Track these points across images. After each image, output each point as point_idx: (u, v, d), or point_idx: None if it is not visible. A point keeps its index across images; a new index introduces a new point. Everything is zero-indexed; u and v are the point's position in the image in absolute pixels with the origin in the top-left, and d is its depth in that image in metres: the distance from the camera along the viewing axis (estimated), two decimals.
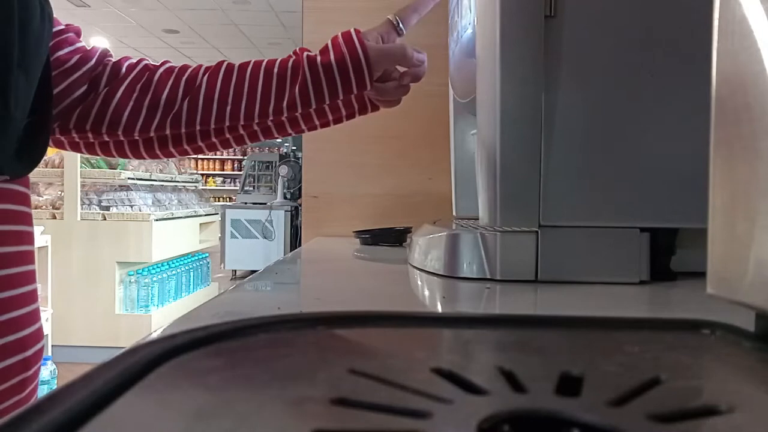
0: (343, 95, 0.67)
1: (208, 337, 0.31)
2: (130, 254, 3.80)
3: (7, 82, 0.49)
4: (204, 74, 0.68)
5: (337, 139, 1.33)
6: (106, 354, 0.27)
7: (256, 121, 0.68)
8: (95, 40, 8.03)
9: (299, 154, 5.89)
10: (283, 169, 5.80)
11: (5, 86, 0.50)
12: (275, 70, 0.67)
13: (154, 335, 0.34)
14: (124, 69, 0.68)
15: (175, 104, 0.67)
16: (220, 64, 0.69)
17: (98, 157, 4.19)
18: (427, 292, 0.63)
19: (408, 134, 1.31)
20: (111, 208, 3.90)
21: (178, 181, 4.88)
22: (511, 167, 0.62)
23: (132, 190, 4.06)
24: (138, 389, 0.24)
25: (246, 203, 5.98)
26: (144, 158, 0.74)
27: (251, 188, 6.45)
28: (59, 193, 3.81)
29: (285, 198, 5.82)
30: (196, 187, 5.39)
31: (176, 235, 4.29)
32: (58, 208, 3.76)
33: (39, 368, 0.58)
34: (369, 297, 0.62)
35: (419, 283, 0.67)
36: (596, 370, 0.27)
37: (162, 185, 4.58)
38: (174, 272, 4.29)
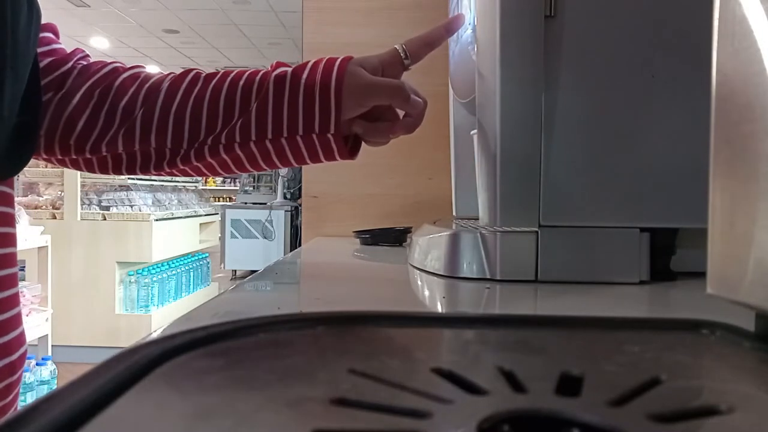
0: (305, 127, 0.58)
1: (207, 337, 0.31)
2: (130, 254, 3.80)
3: None
4: (167, 83, 0.61)
5: None
6: (106, 354, 0.27)
7: (222, 141, 0.59)
8: (95, 40, 8.02)
9: None
10: (283, 169, 5.81)
11: None
12: (241, 82, 0.60)
13: (154, 335, 0.34)
14: (90, 72, 0.62)
15: (131, 115, 0.60)
16: (187, 72, 0.62)
17: None
18: (427, 292, 0.63)
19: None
20: (111, 208, 3.90)
21: (178, 181, 4.89)
22: (511, 167, 0.62)
23: (132, 190, 4.06)
24: (138, 389, 0.24)
25: (246, 203, 5.98)
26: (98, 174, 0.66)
27: (251, 188, 6.45)
28: (59, 193, 3.82)
29: (285, 198, 5.82)
30: (196, 187, 5.39)
31: (176, 235, 4.29)
32: (58, 208, 3.76)
33: (22, 373, 0.57)
34: (369, 297, 0.62)
35: (419, 283, 0.67)
36: (596, 370, 0.27)
37: (162, 185, 4.58)
38: (174, 272, 4.30)
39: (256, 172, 0.65)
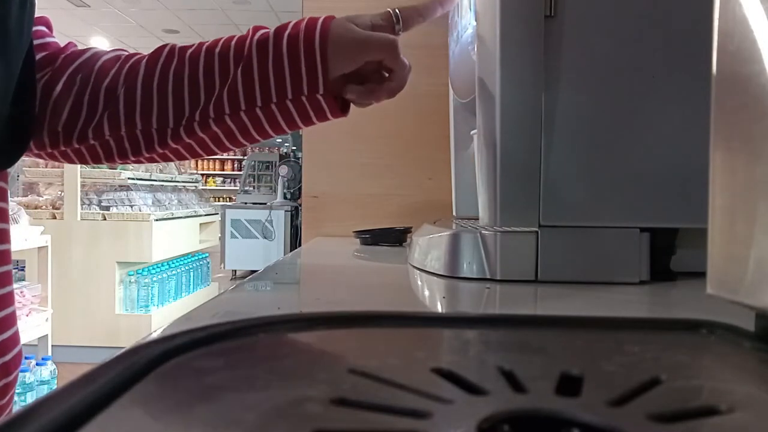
0: (293, 88, 0.56)
1: (207, 337, 0.31)
2: (130, 254, 3.80)
3: None
4: (145, 60, 0.59)
5: (337, 139, 1.33)
6: (106, 354, 0.27)
7: (211, 114, 0.57)
8: (95, 40, 8.03)
9: (299, 154, 5.89)
10: (283, 169, 5.81)
11: None
12: (217, 49, 0.58)
13: (154, 335, 0.34)
14: (70, 58, 0.61)
15: (114, 96, 0.58)
16: (163, 47, 0.60)
17: None
18: (427, 292, 0.63)
19: (408, 134, 1.31)
20: (111, 208, 3.90)
21: (178, 181, 4.89)
22: (511, 167, 0.62)
23: (132, 190, 4.06)
24: (138, 389, 0.24)
25: (246, 203, 5.98)
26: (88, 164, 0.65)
27: (251, 188, 6.45)
28: (59, 193, 3.82)
29: (285, 198, 5.82)
30: (196, 187, 5.39)
31: (176, 235, 4.29)
32: (58, 208, 3.76)
33: (18, 374, 0.56)
34: (369, 297, 0.62)
35: (419, 283, 0.67)
36: (596, 370, 0.27)
37: (162, 185, 4.58)
38: (174, 272, 4.29)
39: (250, 145, 0.61)
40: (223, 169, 11.25)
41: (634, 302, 0.56)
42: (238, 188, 7.13)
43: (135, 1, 6.57)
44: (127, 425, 0.22)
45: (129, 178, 3.97)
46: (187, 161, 5.67)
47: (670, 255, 0.64)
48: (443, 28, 1.04)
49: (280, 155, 6.45)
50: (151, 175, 4.35)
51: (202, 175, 8.54)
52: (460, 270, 0.65)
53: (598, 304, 0.55)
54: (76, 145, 0.60)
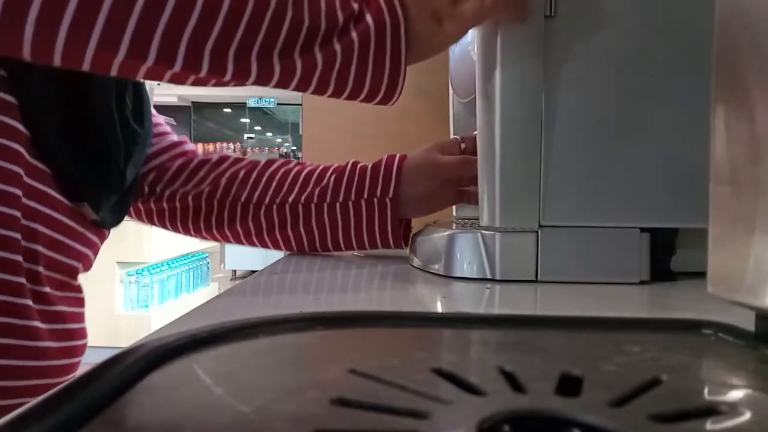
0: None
1: (208, 337, 0.31)
2: (130, 254, 3.80)
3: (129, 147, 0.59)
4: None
5: (337, 140, 1.33)
6: (106, 354, 0.27)
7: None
8: None
9: (299, 154, 5.89)
10: None
11: (128, 153, 0.59)
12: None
13: (154, 335, 0.34)
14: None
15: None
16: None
17: None
18: (427, 292, 0.63)
19: (408, 134, 1.30)
20: None
21: None
22: (511, 167, 0.62)
23: None
24: (138, 390, 0.24)
25: None
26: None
27: None
28: None
29: None
30: None
31: (176, 234, 4.29)
32: None
33: (78, 362, 0.64)
34: (369, 297, 0.62)
35: (419, 283, 0.67)
36: (596, 370, 0.27)
37: None
38: (174, 272, 4.30)
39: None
40: None
41: (634, 302, 0.56)
42: None
43: None
44: (127, 426, 0.22)
45: None
46: None
47: (670, 255, 0.64)
48: None
49: (280, 155, 6.45)
50: None
51: None
52: (460, 270, 0.65)
53: (598, 304, 0.55)
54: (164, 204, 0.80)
